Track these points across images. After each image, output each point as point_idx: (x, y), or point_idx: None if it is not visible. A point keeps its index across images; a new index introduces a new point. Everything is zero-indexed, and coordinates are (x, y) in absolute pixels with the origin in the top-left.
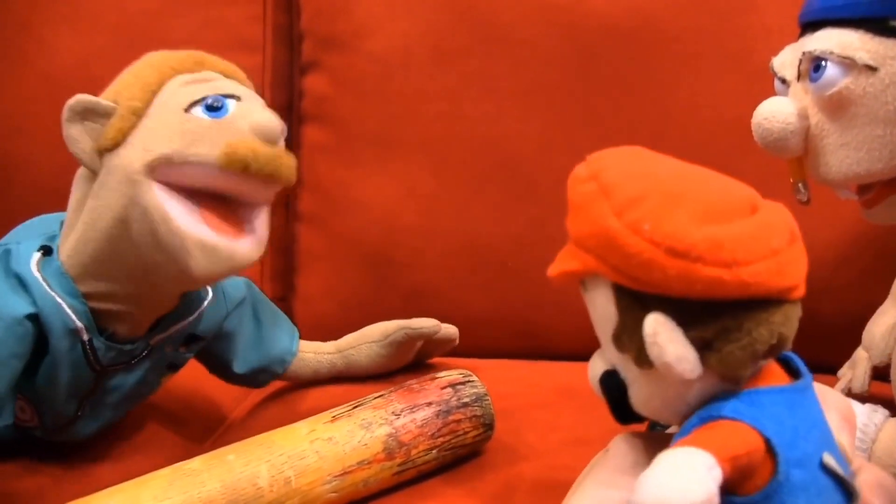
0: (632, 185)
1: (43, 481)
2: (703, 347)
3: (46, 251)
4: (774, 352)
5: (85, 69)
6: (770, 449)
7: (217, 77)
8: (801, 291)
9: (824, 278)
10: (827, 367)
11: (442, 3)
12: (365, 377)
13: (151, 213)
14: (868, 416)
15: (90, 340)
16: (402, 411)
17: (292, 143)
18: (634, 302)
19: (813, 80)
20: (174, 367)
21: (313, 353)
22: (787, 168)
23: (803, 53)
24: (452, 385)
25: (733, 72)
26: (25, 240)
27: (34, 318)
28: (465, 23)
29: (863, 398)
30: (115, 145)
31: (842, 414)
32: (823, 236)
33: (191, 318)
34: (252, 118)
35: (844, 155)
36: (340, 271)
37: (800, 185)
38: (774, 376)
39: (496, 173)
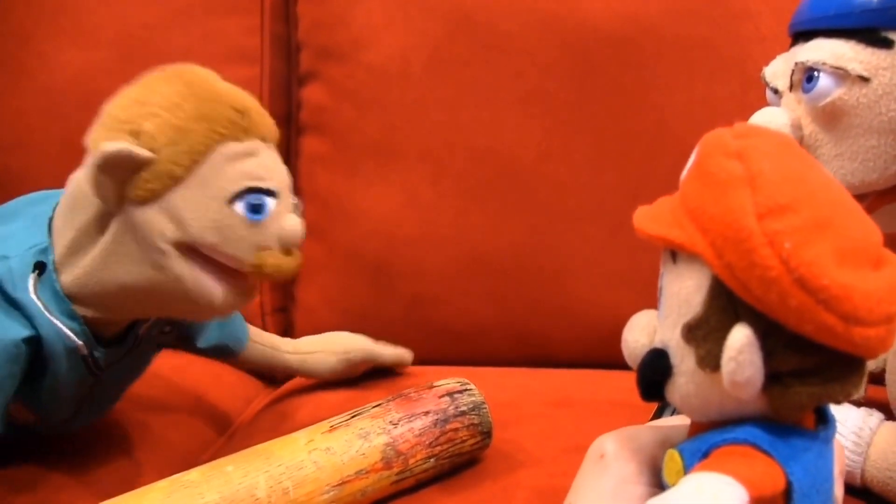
0: (784, 189)
1: (43, 492)
2: (772, 376)
3: (40, 269)
4: (833, 402)
5: (85, 83)
6: (788, 493)
7: (260, 149)
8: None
9: None
10: None
11: (439, 14)
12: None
13: (185, 281)
14: (863, 419)
15: (91, 352)
16: (399, 420)
17: (290, 153)
18: (729, 304)
19: (806, 90)
20: (161, 345)
21: (271, 349)
22: None
23: (796, 64)
24: (450, 394)
25: (729, 79)
26: (13, 253)
27: (32, 341)
28: (462, 33)
29: (858, 403)
30: (143, 202)
31: (839, 466)
32: None
33: None
34: (282, 228)
35: (839, 165)
36: (340, 281)
37: None
38: (806, 415)
39: (495, 182)
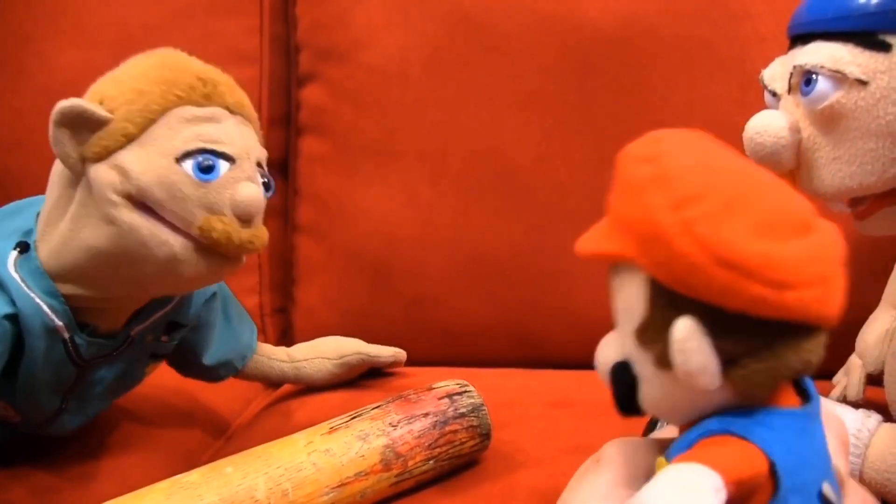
0: (692, 180)
1: (41, 494)
2: (727, 361)
3: (23, 248)
4: (796, 376)
5: (85, 83)
6: (773, 473)
7: (222, 115)
8: (836, 321)
9: None
10: (822, 373)
11: (438, 15)
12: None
13: (140, 232)
14: (862, 421)
15: (71, 338)
16: (399, 422)
17: (290, 154)
18: (668, 301)
19: (804, 93)
20: (157, 356)
21: (266, 358)
22: None
23: (794, 67)
24: (449, 395)
25: (727, 79)
26: (0, 239)
27: (13, 318)
28: (461, 34)
29: (857, 405)
30: (99, 159)
31: (840, 438)
32: None
33: (168, 308)
34: (236, 194)
35: (837, 168)
36: (340, 282)
37: None
38: (786, 395)
39: (494, 182)
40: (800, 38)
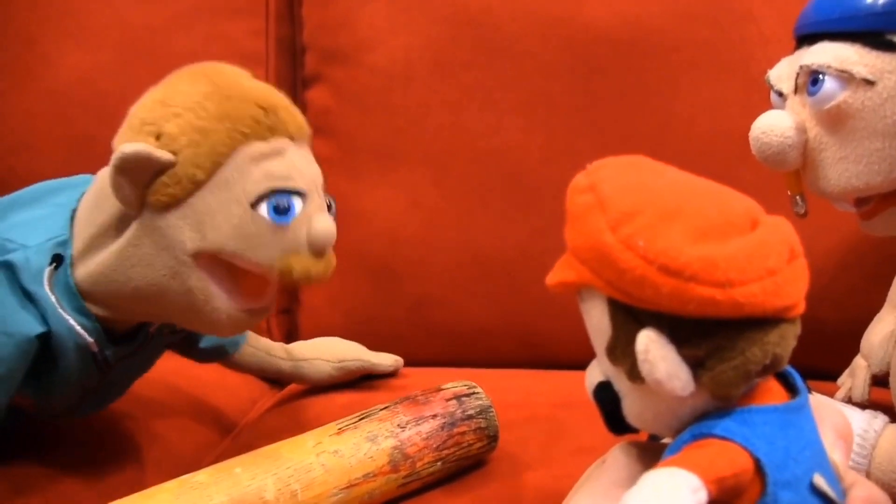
0: (627, 199)
1: (47, 493)
2: (695, 365)
3: (58, 262)
4: (768, 371)
5: (90, 85)
6: (759, 470)
7: (286, 147)
8: (799, 310)
9: (824, 285)
10: (827, 374)
11: (443, 17)
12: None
13: (196, 294)
14: (868, 422)
15: (101, 350)
16: (407, 424)
17: None
18: (628, 316)
19: (811, 93)
20: (169, 345)
21: (264, 353)
22: (785, 181)
23: (801, 67)
24: (457, 397)
25: (732, 81)
26: (33, 242)
27: (43, 336)
28: (466, 36)
29: (863, 406)
30: (165, 208)
31: (837, 431)
32: (822, 243)
33: None
34: (311, 229)
35: (843, 168)
36: (344, 283)
37: (797, 197)
38: (771, 393)
39: (499, 184)
40: (806, 38)
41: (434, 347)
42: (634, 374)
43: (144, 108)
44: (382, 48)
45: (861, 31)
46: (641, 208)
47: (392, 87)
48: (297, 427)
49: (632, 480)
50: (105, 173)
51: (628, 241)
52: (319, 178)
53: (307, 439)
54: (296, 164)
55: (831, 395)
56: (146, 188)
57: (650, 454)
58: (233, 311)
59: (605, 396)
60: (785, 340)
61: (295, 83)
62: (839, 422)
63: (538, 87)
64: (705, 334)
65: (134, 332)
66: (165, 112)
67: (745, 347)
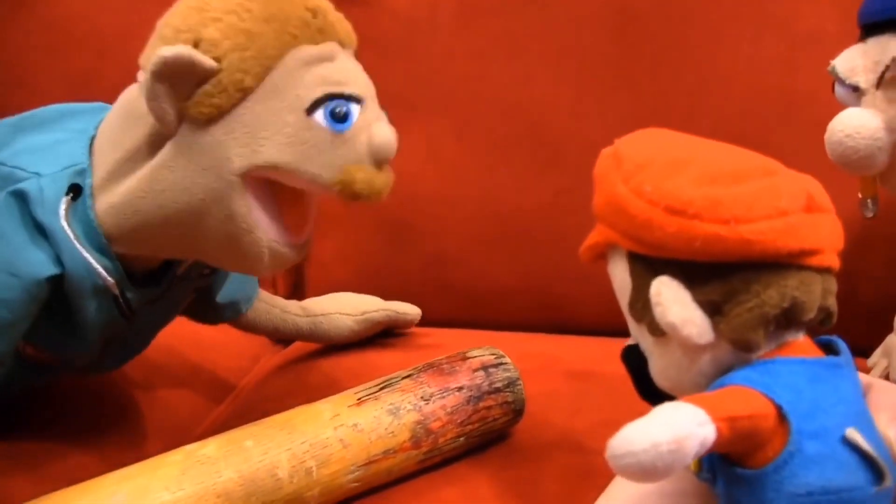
0: (640, 153)
1: (47, 460)
2: (713, 312)
3: (76, 193)
4: (790, 317)
5: (90, 18)
6: (783, 418)
7: (337, 52)
8: (825, 260)
9: (859, 260)
10: (863, 351)
11: None
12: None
13: (237, 221)
14: None
15: (122, 292)
16: (431, 396)
17: None
18: (646, 268)
19: None
20: (197, 288)
21: (279, 310)
22: (859, 184)
23: (893, 59)
24: (485, 367)
25: (776, 39)
26: (47, 171)
27: (56, 279)
28: None
29: None
30: (209, 121)
31: (888, 400)
32: (859, 216)
33: None
34: (372, 137)
35: None
36: (357, 237)
37: (868, 201)
38: (803, 349)
39: (522, 139)
40: (879, 26)
41: (450, 307)
42: (654, 328)
43: (177, 15)
44: None
45: None
46: (650, 160)
47: (414, 32)
48: (309, 390)
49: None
50: (130, 94)
51: (638, 188)
52: (372, 87)
53: (323, 410)
54: (349, 69)
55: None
56: (186, 100)
57: None
58: (274, 245)
59: (633, 358)
60: (807, 287)
61: None
62: (886, 393)
63: (569, 37)
64: (719, 278)
65: (158, 274)
66: (203, 17)
67: (761, 290)
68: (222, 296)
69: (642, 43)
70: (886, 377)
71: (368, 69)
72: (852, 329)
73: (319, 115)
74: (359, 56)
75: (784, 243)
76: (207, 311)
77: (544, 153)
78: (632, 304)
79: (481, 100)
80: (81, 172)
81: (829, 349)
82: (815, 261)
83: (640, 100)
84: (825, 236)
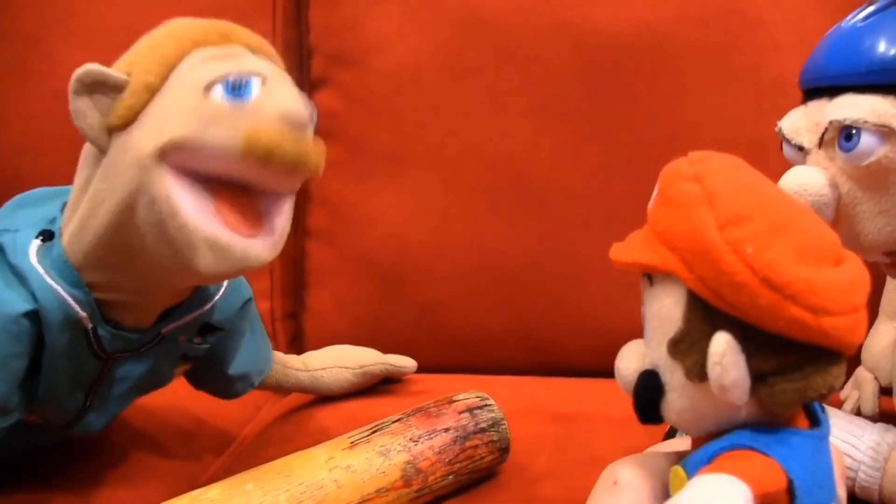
0: (739, 200)
1: None
2: (757, 378)
3: (46, 236)
4: (819, 400)
5: None
6: (790, 491)
7: (243, 53)
8: (856, 350)
9: None
10: None
11: (452, 21)
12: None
13: (160, 204)
14: (881, 435)
15: (94, 329)
16: (420, 437)
17: None
18: (706, 315)
19: (845, 149)
20: (188, 358)
21: (281, 366)
22: None
23: (830, 122)
24: (470, 409)
25: (743, 88)
26: (24, 228)
27: (32, 316)
28: (475, 40)
29: (873, 419)
30: (126, 124)
31: (840, 468)
32: None
33: (204, 309)
34: (278, 102)
35: (884, 222)
36: (351, 288)
37: None
38: (798, 418)
39: (507, 189)
40: (820, 90)
41: (442, 353)
42: (694, 372)
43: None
44: (390, 52)
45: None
46: (752, 214)
47: (400, 90)
48: (306, 437)
49: (654, 500)
50: (87, 151)
51: (736, 244)
52: (286, 75)
53: (319, 454)
54: (254, 60)
55: (834, 405)
56: (109, 114)
57: (660, 465)
58: (210, 234)
59: (649, 386)
60: (842, 376)
61: (302, 86)
62: (839, 457)
63: (547, 91)
64: (778, 351)
65: (143, 329)
66: (122, 58)
67: (810, 374)
68: (234, 368)
69: (616, 96)
70: (858, 410)
71: (359, 127)
72: None
73: (218, 90)
74: (350, 115)
75: (849, 340)
76: (219, 383)
77: (528, 202)
78: (675, 342)
79: (467, 153)
80: (52, 221)
81: (805, 409)
82: (853, 352)
83: (616, 149)
84: (865, 326)
